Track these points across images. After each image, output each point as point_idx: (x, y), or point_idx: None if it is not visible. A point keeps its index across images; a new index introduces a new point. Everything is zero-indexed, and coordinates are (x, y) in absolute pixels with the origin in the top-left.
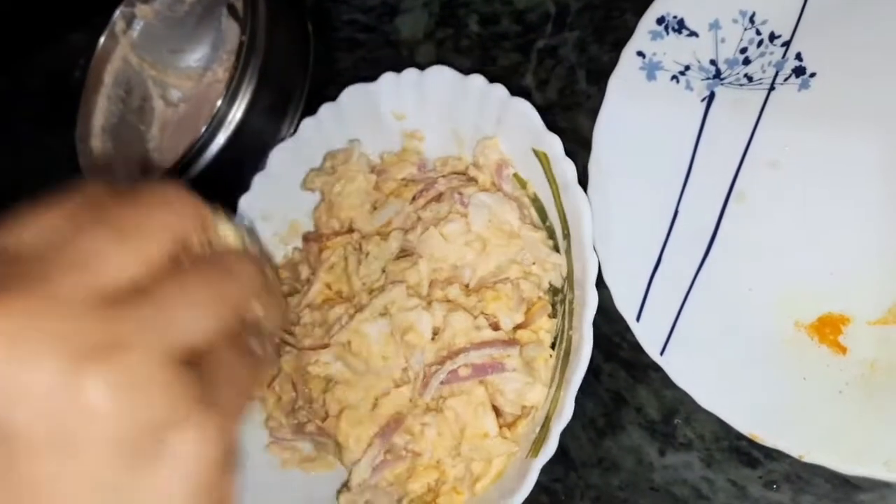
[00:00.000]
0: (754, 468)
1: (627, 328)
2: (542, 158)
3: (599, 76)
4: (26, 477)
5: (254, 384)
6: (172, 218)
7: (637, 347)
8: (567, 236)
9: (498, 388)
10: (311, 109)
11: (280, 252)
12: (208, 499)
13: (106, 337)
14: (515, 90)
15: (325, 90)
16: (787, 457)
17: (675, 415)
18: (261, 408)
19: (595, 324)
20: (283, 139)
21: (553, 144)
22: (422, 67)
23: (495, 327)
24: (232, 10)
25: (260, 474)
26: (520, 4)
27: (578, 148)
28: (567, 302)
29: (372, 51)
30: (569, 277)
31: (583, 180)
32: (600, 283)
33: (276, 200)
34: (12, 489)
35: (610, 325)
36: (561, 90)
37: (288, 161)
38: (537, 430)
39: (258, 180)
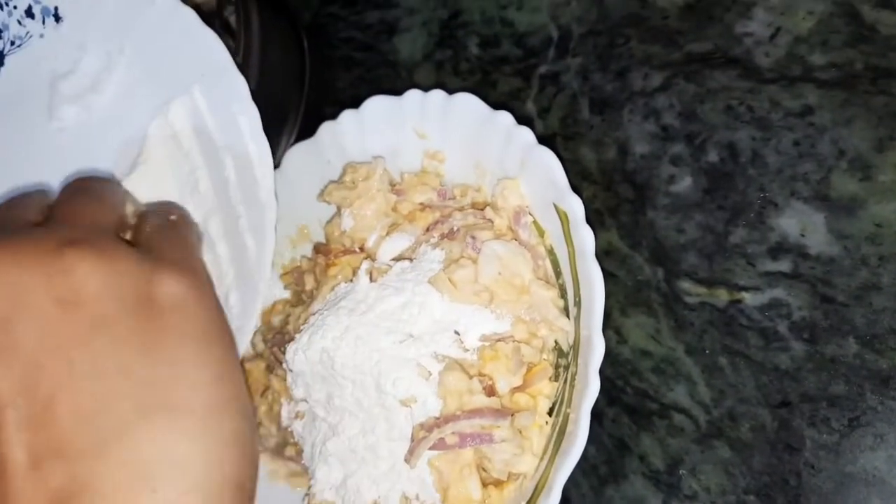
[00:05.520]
0: None
1: (633, 371)
2: (563, 217)
3: (603, 106)
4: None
5: (186, 234)
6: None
7: (642, 393)
8: (578, 304)
9: (486, 455)
10: (307, 130)
11: (287, 255)
12: (218, 327)
13: (58, 237)
14: (517, 117)
15: (321, 110)
16: None
17: (680, 465)
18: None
19: (599, 368)
20: (278, 164)
21: (574, 207)
22: (421, 89)
23: (490, 391)
24: (226, 26)
25: None
26: (521, 27)
27: (581, 180)
28: (570, 373)
29: (370, 70)
30: (575, 347)
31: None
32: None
33: (288, 202)
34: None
35: (614, 369)
36: (563, 119)
37: (303, 163)
38: (523, 503)
39: None
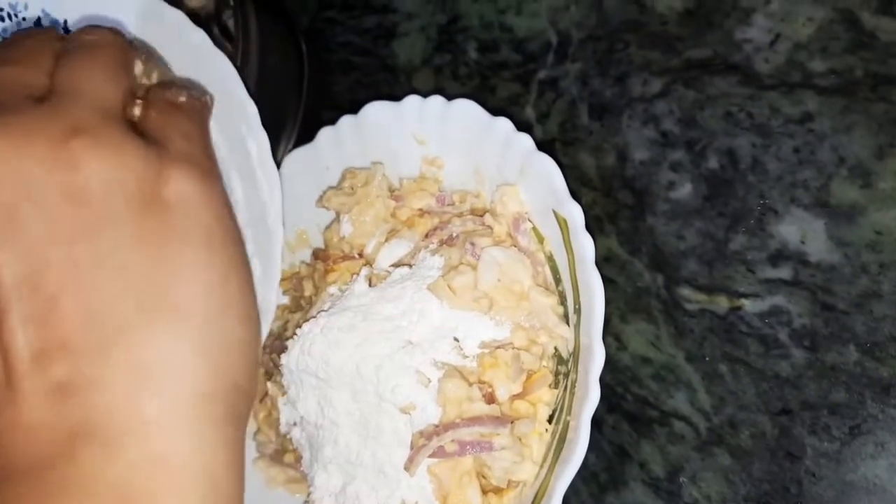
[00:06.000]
0: None
1: (632, 378)
2: (562, 224)
3: (602, 111)
4: (59, 265)
5: (197, 123)
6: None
7: (642, 400)
8: (578, 311)
9: (485, 462)
10: (305, 134)
11: (286, 260)
12: (224, 228)
13: (63, 123)
14: (516, 123)
15: (319, 115)
16: None
17: (681, 472)
18: (251, 420)
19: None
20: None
21: (573, 214)
22: (420, 94)
23: (490, 398)
24: (225, 30)
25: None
26: (520, 32)
27: (580, 186)
28: (570, 381)
29: (368, 74)
30: (575, 354)
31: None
32: (606, 333)
33: (287, 207)
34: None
35: (614, 375)
36: (562, 124)
37: (302, 168)
38: None
39: None
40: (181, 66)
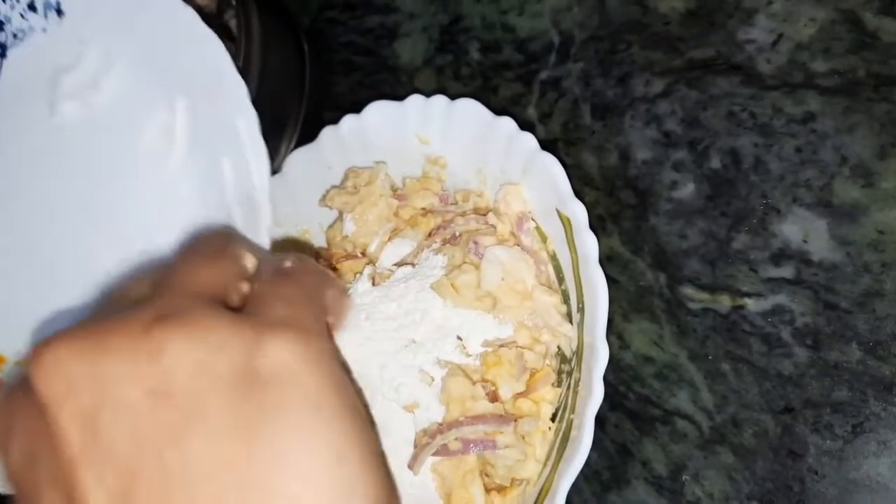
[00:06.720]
0: None
1: (635, 377)
2: (566, 223)
3: (604, 111)
4: (168, 467)
5: (300, 285)
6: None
7: (644, 398)
8: (582, 310)
9: (489, 461)
10: (307, 135)
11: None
12: (336, 394)
13: (149, 314)
14: (518, 123)
15: (321, 115)
16: None
17: (683, 471)
18: None
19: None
20: (277, 170)
21: (577, 213)
22: (422, 94)
23: (493, 397)
24: (226, 30)
25: None
26: (522, 33)
27: (583, 185)
28: (573, 379)
29: (369, 75)
30: (578, 352)
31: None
32: (609, 332)
33: (289, 206)
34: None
35: (617, 374)
36: (564, 124)
37: (305, 168)
38: None
39: (273, 183)
40: (174, 47)
